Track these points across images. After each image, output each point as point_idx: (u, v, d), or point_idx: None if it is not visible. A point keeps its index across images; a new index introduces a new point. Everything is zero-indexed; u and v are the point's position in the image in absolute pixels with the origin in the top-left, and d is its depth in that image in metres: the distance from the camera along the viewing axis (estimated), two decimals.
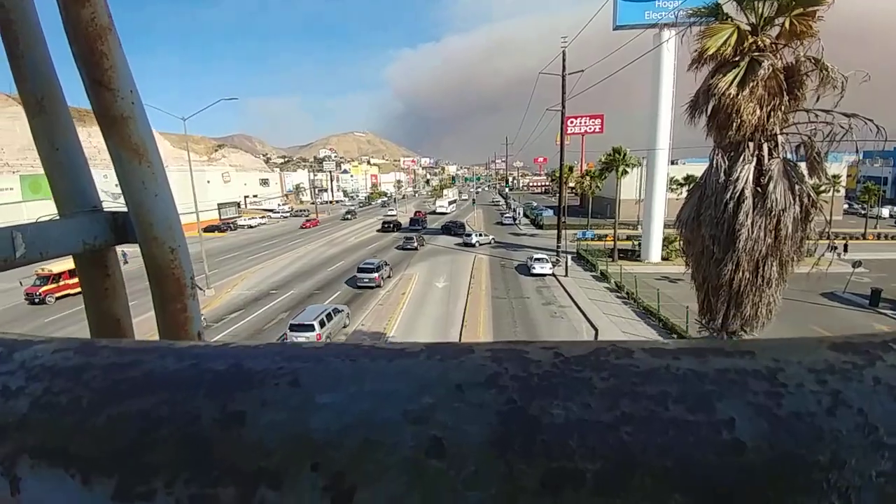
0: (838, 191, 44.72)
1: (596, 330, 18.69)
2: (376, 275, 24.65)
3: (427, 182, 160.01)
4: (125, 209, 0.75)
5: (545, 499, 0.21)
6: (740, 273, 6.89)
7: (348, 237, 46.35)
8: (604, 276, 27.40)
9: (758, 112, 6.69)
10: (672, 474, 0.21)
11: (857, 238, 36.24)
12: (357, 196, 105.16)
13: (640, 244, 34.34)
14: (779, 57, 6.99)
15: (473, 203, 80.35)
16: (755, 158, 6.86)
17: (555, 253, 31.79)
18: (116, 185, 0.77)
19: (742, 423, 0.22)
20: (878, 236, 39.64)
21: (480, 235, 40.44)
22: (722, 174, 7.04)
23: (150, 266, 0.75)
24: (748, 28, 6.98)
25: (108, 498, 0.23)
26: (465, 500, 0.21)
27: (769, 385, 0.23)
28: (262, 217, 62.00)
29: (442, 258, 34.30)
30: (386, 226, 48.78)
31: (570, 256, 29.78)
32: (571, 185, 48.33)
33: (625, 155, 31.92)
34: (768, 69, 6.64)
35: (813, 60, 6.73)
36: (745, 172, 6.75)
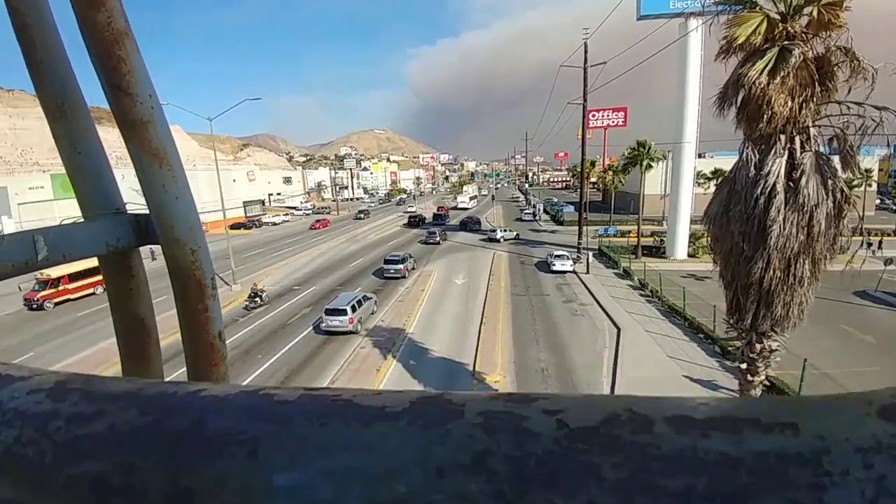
0: (870, 185, 42.44)
1: (618, 329, 18.34)
2: (402, 266, 26.77)
3: (446, 178, 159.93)
4: (147, 211, 0.76)
5: None
6: (771, 271, 6.62)
7: (368, 234, 46.90)
8: (627, 274, 26.81)
9: (789, 103, 6.41)
10: None
11: (889, 234, 34.37)
12: (377, 193, 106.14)
13: (662, 240, 33.51)
14: (809, 47, 6.73)
15: (493, 199, 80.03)
16: (787, 152, 6.57)
17: (575, 250, 31.31)
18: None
19: None
20: None
21: (505, 231, 40.53)
22: (752, 168, 6.75)
23: (171, 267, 0.75)
24: (777, 17, 6.73)
25: None
26: None
27: (812, 474, 0.19)
28: (286, 214, 63.37)
29: (461, 255, 34.31)
30: (412, 220, 52.64)
31: (591, 253, 29.23)
32: (593, 180, 47.41)
33: (649, 149, 31.00)
34: (799, 57, 6.41)
35: (843, 51, 6.47)
36: (777, 166, 6.47)
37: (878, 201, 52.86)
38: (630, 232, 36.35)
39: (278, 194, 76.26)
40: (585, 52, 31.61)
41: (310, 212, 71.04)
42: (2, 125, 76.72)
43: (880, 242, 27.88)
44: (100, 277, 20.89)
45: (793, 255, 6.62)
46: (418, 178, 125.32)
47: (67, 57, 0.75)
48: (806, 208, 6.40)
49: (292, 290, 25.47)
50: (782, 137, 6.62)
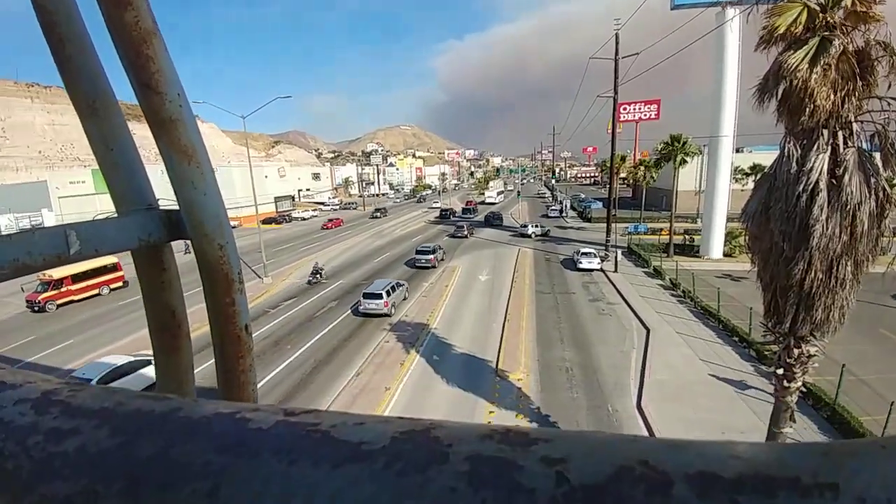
0: None
1: (648, 329, 17.84)
2: (432, 256, 28.98)
3: (471, 174, 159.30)
4: (178, 207, 0.77)
5: None
6: (812, 273, 6.26)
7: (395, 229, 47.40)
8: (657, 273, 25.99)
9: (832, 97, 6.07)
10: None
11: None
12: (402, 189, 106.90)
13: (692, 239, 32.29)
14: (849, 39, 6.43)
15: (518, 195, 79.16)
16: (829, 147, 6.21)
17: (603, 247, 30.58)
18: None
19: None
20: None
21: (536, 227, 40.81)
22: (794, 164, 6.38)
23: (200, 261, 0.76)
24: (817, 7, 6.45)
25: None
26: None
27: None
28: (315, 210, 64.88)
29: (485, 251, 34.18)
30: (443, 213, 55.57)
31: (619, 251, 28.50)
32: (623, 175, 46.11)
33: (685, 143, 29.75)
34: (839, 47, 6.16)
35: (882, 45, 6.17)
36: (820, 163, 6.10)
37: None
38: (662, 230, 35.17)
39: (307, 190, 78.07)
40: (617, 43, 30.67)
41: (337, 207, 72.49)
42: (40, 121, 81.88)
43: None
44: (105, 278, 21.47)
45: (835, 256, 6.27)
46: (443, 174, 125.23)
47: (97, 55, 0.75)
48: (849, 207, 6.07)
49: (320, 283, 26.09)
50: (825, 132, 6.25)
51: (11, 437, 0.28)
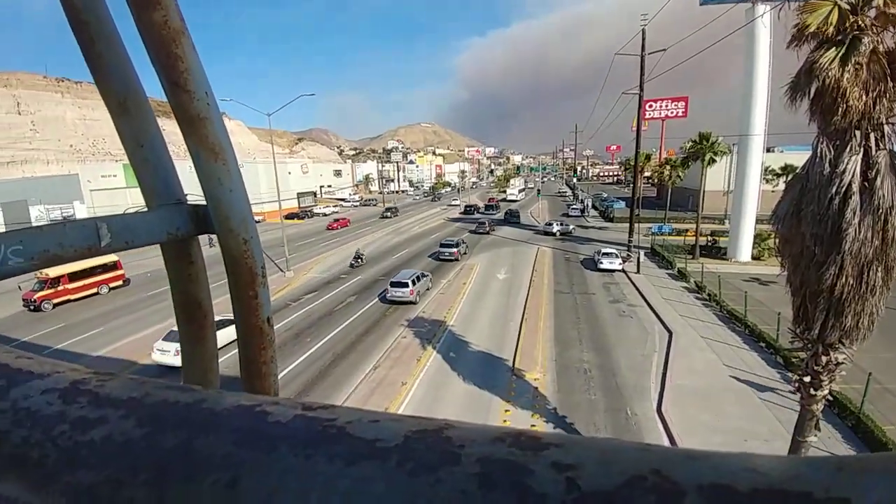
0: None
1: (670, 333, 17.45)
2: (455, 250, 30.42)
3: (491, 172, 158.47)
4: (205, 202, 0.79)
5: None
6: (843, 278, 6.04)
7: (412, 226, 47.67)
8: (682, 275, 25.34)
9: (863, 97, 5.89)
10: None
11: None
12: (422, 186, 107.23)
13: (714, 240, 31.32)
14: (879, 39, 6.23)
15: (538, 194, 78.45)
16: (862, 149, 5.99)
17: (626, 248, 30.00)
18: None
19: None
20: None
21: (561, 225, 40.88)
22: (827, 165, 6.15)
23: (226, 255, 0.78)
24: (847, 7, 6.26)
25: None
26: None
27: None
28: (335, 206, 65.88)
29: (504, 249, 34.04)
30: (467, 209, 58.10)
31: (642, 252, 27.90)
32: (648, 174, 45.01)
33: (713, 142, 28.80)
34: (869, 45, 6.03)
35: None
36: (853, 165, 5.89)
37: None
38: (687, 230, 34.20)
39: (329, 186, 79.32)
40: (643, 39, 29.93)
41: (357, 204, 73.36)
42: (71, 115, 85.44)
43: None
44: (104, 276, 20.94)
45: (866, 261, 6.06)
46: (463, 172, 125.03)
47: (127, 54, 0.76)
48: (881, 211, 5.84)
49: (339, 278, 26.53)
50: (857, 134, 6.03)
51: (38, 426, 0.28)
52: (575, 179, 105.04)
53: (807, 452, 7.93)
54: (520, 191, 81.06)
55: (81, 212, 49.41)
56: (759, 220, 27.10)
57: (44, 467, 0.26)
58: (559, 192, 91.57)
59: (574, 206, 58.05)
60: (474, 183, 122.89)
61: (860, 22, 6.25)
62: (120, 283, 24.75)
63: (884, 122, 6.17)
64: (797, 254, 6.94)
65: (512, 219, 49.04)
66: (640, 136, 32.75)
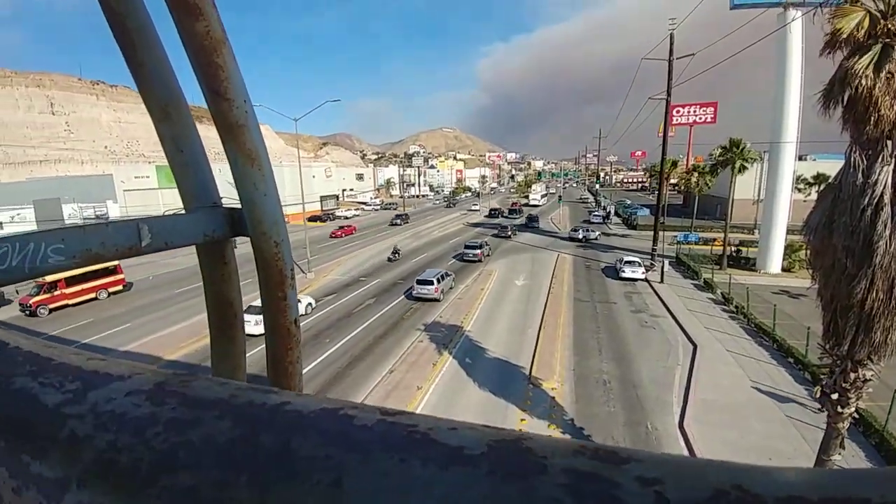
0: None
1: (695, 345, 16.94)
2: (479, 251, 31.49)
3: (511, 177, 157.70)
4: (239, 206, 0.83)
5: None
6: (874, 292, 5.80)
7: (433, 230, 47.87)
8: (708, 286, 24.57)
9: (894, 106, 5.65)
10: None
11: None
12: (443, 190, 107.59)
13: (740, 251, 30.24)
14: None
15: (560, 200, 77.68)
16: (893, 160, 5.73)
17: (649, 256, 29.32)
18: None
19: None
20: None
21: (588, 231, 41.07)
22: (860, 175, 5.92)
23: (258, 257, 0.81)
24: (878, 14, 6.08)
25: None
26: None
27: None
28: (357, 209, 66.87)
29: (523, 255, 33.80)
30: (493, 212, 60.87)
31: (667, 261, 27.20)
32: (674, 181, 43.87)
33: (744, 149, 27.89)
34: None
35: None
36: (885, 175, 5.66)
37: None
38: (715, 240, 33.14)
39: (351, 190, 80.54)
40: (671, 43, 29.38)
41: (378, 207, 74.19)
42: (107, 118, 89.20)
43: None
44: (103, 281, 19.92)
45: None
46: (483, 177, 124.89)
47: (169, 62, 0.80)
48: None
49: (359, 280, 26.88)
50: (889, 144, 5.79)
51: (126, 429, 0.28)
52: (597, 185, 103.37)
53: None
54: (542, 196, 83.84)
55: (114, 211, 51.49)
56: (790, 231, 26.06)
57: (137, 472, 0.26)
58: (581, 199, 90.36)
59: (596, 213, 57.17)
60: (493, 189, 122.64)
61: (890, 26, 6.06)
62: (120, 287, 23.86)
63: None
64: (829, 266, 6.68)
65: (532, 224, 49.77)
66: (666, 141, 32.04)
